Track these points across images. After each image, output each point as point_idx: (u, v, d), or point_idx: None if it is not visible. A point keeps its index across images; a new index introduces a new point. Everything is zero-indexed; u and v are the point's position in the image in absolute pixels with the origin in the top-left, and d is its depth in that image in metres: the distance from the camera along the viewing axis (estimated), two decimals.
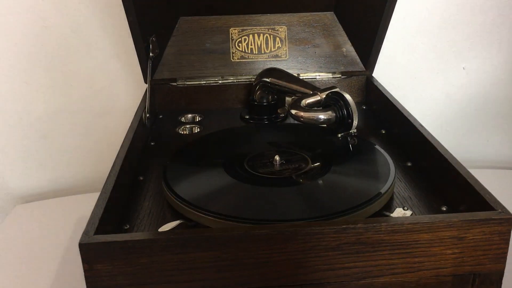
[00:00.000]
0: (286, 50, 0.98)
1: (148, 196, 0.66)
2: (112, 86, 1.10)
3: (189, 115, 0.94)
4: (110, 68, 1.09)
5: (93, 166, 1.15)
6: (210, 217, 0.56)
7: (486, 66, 1.16)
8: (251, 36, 0.97)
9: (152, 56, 0.88)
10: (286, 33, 0.98)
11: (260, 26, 0.98)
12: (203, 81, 0.96)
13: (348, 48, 0.99)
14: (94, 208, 0.53)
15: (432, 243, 0.50)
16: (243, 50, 0.97)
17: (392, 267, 0.51)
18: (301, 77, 0.94)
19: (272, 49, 0.98)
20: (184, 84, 0.96)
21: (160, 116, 0.94)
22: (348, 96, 0.71)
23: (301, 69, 0.98)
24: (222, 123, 0.89)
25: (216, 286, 0.50)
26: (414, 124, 0.73)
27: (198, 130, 0.88)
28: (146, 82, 0.90)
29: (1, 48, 1.03)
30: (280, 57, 0.98)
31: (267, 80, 0.88)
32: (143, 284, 0.49)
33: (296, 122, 0.74)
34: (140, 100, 0.90)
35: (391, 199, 0.63)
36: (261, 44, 0.98)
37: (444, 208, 0.60)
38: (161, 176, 0.66)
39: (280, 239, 0.49)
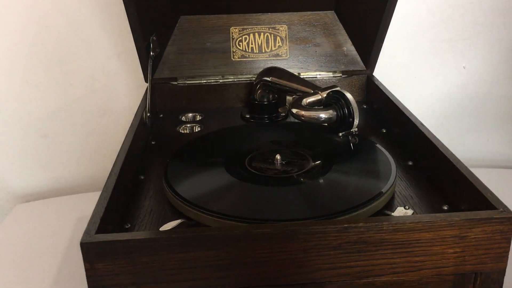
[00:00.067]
0: (286, 49, 0.98)
1: (149, 195, 0.66)
2: (112, 86, 1.10)
3: (190, 114, 0.93)
4: (110, 67, 1.09)
5: (94, 165, 1.14)
6: (211, 217, 0.56)
7: (486, 65, 1.16)
8: (251, 35, 0.97)
9: (152, 55, 0.88)
10: (287, 32, 0.98)
11: (260, 25, 0.98)
12: (203, 80, 0.96)
13: (349, 47, 0.99)
14: (95, 207, 0.53)
15: (434, 242, 0.50)
16: (244, 49, 0.97)
17: (394, 266, 0.51)
18: (301, 76, 0.94)
19: (273, 48, 0.98)
20: (185, 83, 0.96)
21: (161, 115, 0.94)
22: (349, 95, 0.71)
23: (302, 68, 0.98)
24: (222, 122, 0.89)
25: (218, 285, 0.50)
26: (415, 123, 0.73)
27: (199, 129, 0.88)
28: (146, 81, 0.89)
29: (1, 47, 1.03)
30: (280, 56, 0.98)
31: (268, 79, 0.87)
32: (144, 283, 0.49)
33: (297, 121, 0.74)
34: (141, 99, 0.90)
35: (392, 198, 0.63)
36: (261, 43, 0.98)
37: (445, 207, 0.60)
38: (162, 175, 0.66)
39: (281, 238, 0.49)
